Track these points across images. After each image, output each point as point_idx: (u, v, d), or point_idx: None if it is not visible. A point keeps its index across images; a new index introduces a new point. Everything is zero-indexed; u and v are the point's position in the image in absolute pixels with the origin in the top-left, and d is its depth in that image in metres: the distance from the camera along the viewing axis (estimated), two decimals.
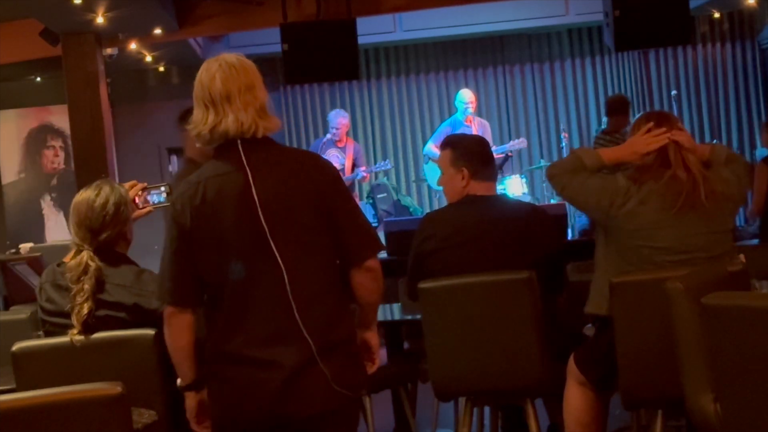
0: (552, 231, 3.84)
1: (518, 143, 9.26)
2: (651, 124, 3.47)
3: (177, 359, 2.61)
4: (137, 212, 3.32)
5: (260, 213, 2.43)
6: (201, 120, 2.50)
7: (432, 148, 8.92)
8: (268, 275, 2.44)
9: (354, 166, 8.82)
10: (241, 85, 2.48)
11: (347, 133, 9.13)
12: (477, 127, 8.82)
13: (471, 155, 3.86)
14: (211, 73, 2.50)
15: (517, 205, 4.02)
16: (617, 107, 7.45)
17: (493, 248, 3.70)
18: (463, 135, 4.18)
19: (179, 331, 2.57)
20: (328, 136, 8.99)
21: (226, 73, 2.49)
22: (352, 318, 2.59)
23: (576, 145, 10.79)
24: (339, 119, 8.89)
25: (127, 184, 3.32)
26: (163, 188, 3.35)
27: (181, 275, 2.52)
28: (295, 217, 2.46)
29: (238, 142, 2.47)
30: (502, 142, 9.83)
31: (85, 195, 3.16)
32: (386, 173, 10.78)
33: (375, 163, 9.90)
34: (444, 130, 8.87)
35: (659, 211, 3.36)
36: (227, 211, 2.46)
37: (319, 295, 2.47)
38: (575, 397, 3.53)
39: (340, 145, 8.86)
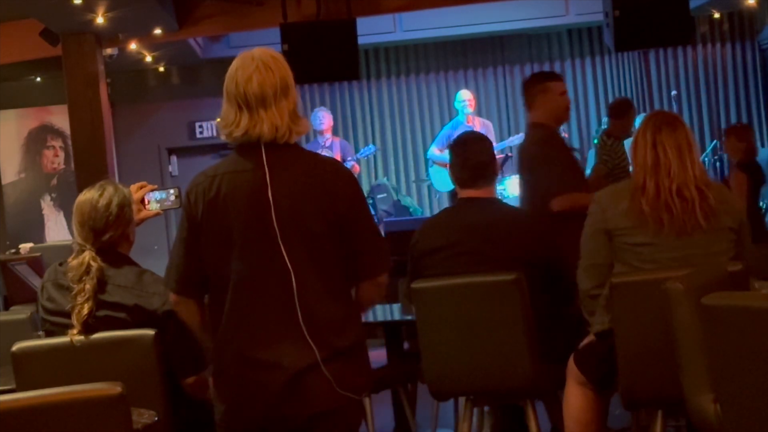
0: (536, 239, 3.75)
1: (517, 138, 9.25)
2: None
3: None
4: (145, 213, 3.31)
5: (273, 215, 2.42)
6: (233, 121, 2.46)
7: (435, 151, 8.92)
8: (276, 278, 2.43)
9: (343, 161, 8.82)
10: (277, 88, 2.44)
11: (332, 130, 9.13)
12: (479, 127, 8.82)
13: (450, 159, 3.88)
14: (247, 72, 2.45)
15: (502, 210, 3.91)
16: (617, 112, 7.44)
17: (468, 253, 3.70)
18: (458, 137, 4.09)
19: (187, 316, 2.64)
20: (319, 140, 8.98)
21: (263, 75, 2.44)
22: (356, 324, 2.58)
23: (576, 145, 10.78)
24: (319, 113, 8.89)
25: (136, 185, 3.31)
26: (172, 191, 3.35)
27: (187, 265, 2.55)
28: (307, 223, 2.44)
29: (263, 144, 2.45)
30: (502, 140, 9.83)
31: (88, 195, 3.15)
32: (386, 173, 10.79)
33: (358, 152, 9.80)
34: (446, 133, 8.87)
35: (657, 234, 3.34)
36: (240, 210, 2.45)
37: (325, 301, 2.46)
38: (575, 397, 3.53)
39: (326, 143, 8.86)
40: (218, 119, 2.54)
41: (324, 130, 8.94)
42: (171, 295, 2.61)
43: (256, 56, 2.48)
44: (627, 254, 3.38)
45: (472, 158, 3.79)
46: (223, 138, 2.53)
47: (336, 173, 2.52)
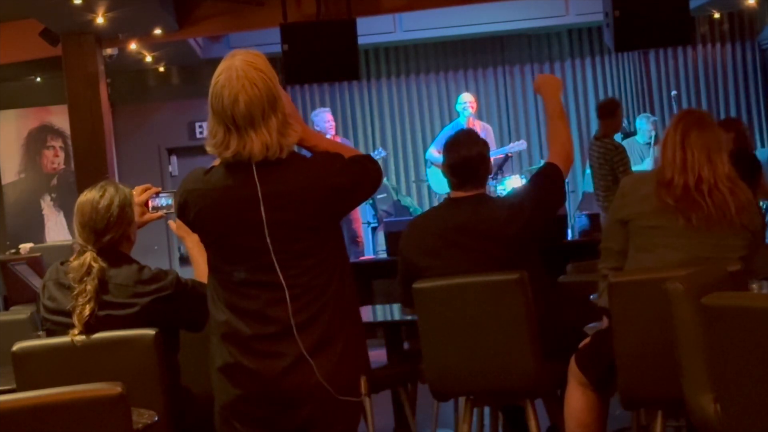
0: (515, 216, 3.70)
1: (517, 145, 9.27)
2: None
3: None
4: (148, 216, 3.30)
5: (266, 231, 2.41)
6: (221, 141, 2.40)
7: (433, 152, 8.92)
8: (270, 289, 2.43)
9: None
10: (265, 105, 2.37)
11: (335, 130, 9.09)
12: (479, 130, 8.80)
13: (443, 160, 3.88)
14: (233, 92, 2.36)
15: (489, 204, 3.85)
16: (607, 112, 7.45)
17: (462, 253, 3.70)
18: (450, 138, 4.05)
19: None
20: None
21: (249, 94, 2.36)
22: (353, 319, 2.58)
23: (576, 145, 10.78)
24: (325, 115, 8.83)
25: (140, 187, 3.30)
26: None
27: None
28: (301, 233, 2.44)
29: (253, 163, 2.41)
30: (502, 143, 9.83)
31: (89, 195, 3.15)
32: (386, 174, 10.78)
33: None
34: (446, 135, 8.84)
35: (675, 221, 3.37)
36: (232, 226, 2.45)
37: (319, 316, 2.45)
38: (576, 398, 3.53)
39: None
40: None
41: (330, 126, 8.86)
42: None
43: (240, 71, 2.37)
44: (640, 237, 3.41)
45: (461, 161, 3.78)
46: (209, 151, 2.47)
47: (326, 171, 2.47)
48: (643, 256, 3.41)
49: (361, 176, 2.54)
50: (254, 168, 2.41)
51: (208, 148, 2.46)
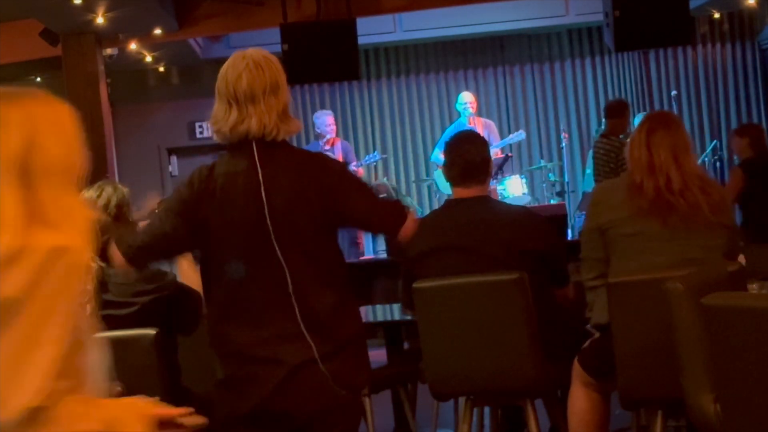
0: (529, 231, 3.72)
1: (516, 135, 9.26)
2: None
3: None
4: None
5: (267, 214, 2.43)
6: (222, 117, 2.50)
7: (440, 155, 8.92)
8: (272, 277, 2.44)
9: (346, 164, 8.73)
10: (267, 86, 2.48)
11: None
12: (481, 127, 8.80)
13: (444, 158, 3.88)
14: (237, 70, 2.49)
15: (492, 207, 3.87)
16: (615, 112, 7.47)
17: (460, 251, 3.68)
18: (452, 136, 4.07)
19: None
20: (320, 142, 8.87)
21: (253, 72, 2.48)
22: (355, 318, 2.59)
23: (576, 145, 10.79)
24: (327, 118, 8.83)
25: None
26: None
27: (154, 242, 2.56)
28: (301, 220, 2.46)
29: (254, 143, 2.48)
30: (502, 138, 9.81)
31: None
32: (386, 174, 10.78)
33: (364, 158, 9.73)
34: (448, 136, 8.83)
35: (652, 226, 3.36)
36: (235, 210, 2.47)
37: (322, 297, 2.47)
38: (580, 399, 3.52)
39: (328, 146, 8.80)
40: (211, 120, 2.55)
41: (330, 129, 8.84)
42: (121, 257, 2.58)
43: (248, 55, 2.51)
44: (620, 245, 3.40)
45: (463, 157, 3.78)
46: (213, 135, 2.56)
47: (323, 165, 2.55)
48: (626, 264, 3.39)
49: (354, 179, 2.63)
50: (255, 150, 2.46)
51: (213, 129, 2.53)
